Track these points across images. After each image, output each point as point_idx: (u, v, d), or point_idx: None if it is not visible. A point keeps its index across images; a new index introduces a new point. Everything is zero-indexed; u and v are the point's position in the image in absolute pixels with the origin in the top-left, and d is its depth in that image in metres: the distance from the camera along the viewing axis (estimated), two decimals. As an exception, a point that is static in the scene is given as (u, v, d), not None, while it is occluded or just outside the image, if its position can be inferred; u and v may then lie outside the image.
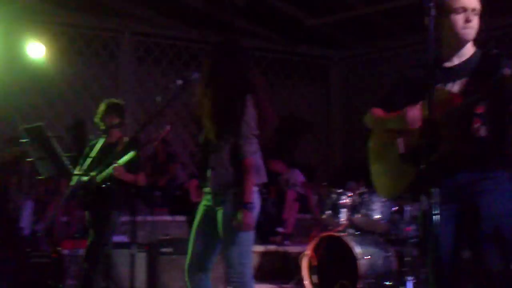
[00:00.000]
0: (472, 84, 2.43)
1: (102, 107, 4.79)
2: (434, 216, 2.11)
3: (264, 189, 7.29)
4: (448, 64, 2.61)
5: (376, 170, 2.84)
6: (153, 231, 5.98)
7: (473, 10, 2.52)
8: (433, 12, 2.28)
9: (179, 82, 3.19)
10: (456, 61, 2.60)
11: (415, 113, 2.51)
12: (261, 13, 7.82)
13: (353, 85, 9.32)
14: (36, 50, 6.51)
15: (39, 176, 4.79)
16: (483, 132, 2.45)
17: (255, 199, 3.08)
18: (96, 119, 4.84)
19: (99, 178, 4.48)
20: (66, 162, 4.52)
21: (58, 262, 5.36)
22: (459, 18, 2.52)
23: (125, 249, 4.88)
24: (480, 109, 2.43)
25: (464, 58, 2.60)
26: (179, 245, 5.27)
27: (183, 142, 8.33)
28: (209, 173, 3.14)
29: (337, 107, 9.39)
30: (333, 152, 9.32)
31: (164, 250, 5.43)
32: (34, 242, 5.56)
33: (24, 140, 4.62)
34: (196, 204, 3.33)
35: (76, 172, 4.61)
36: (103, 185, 4.47)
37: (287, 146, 8.55)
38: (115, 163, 4.33)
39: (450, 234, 2.54)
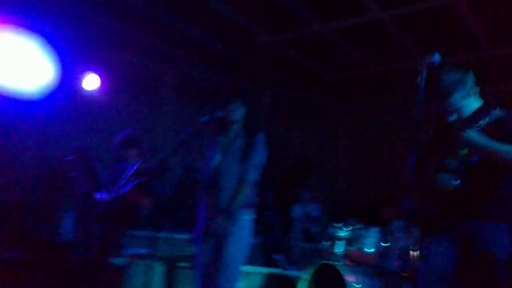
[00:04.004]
0: None
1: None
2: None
3: (273, 218, 7.22)
4: None
5: None
6: (174, 247, 5.88)
7: None
8: (424, 73, 2.29)
9: (205, 118, 3.13)
10: None
11: None
12: (286, 65, 7.87)
13: (358, 133, 9.31)
14: (92, 80, 6.56)
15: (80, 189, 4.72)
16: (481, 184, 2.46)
17: (247, 226, 3.13)
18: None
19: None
20: (103, 178, 4.45)
21: (91, 268, 5.26)
22: None
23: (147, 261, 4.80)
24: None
25: None
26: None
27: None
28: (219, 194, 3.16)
29: (343, 151, 9.42)
30: (337, 189, 9.26)
31: (181, 264, 5.33)
32: (72, 248, 5.50)
33: (69, 158, 4.59)
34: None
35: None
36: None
37: (297, 181, 8.47)
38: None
39: (447, 265, 2.53)
